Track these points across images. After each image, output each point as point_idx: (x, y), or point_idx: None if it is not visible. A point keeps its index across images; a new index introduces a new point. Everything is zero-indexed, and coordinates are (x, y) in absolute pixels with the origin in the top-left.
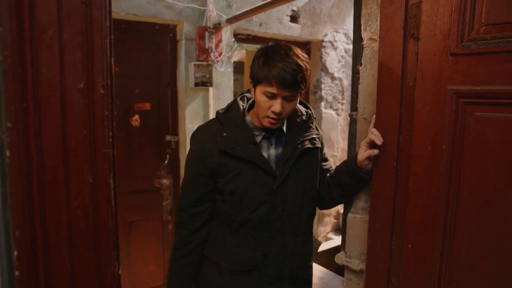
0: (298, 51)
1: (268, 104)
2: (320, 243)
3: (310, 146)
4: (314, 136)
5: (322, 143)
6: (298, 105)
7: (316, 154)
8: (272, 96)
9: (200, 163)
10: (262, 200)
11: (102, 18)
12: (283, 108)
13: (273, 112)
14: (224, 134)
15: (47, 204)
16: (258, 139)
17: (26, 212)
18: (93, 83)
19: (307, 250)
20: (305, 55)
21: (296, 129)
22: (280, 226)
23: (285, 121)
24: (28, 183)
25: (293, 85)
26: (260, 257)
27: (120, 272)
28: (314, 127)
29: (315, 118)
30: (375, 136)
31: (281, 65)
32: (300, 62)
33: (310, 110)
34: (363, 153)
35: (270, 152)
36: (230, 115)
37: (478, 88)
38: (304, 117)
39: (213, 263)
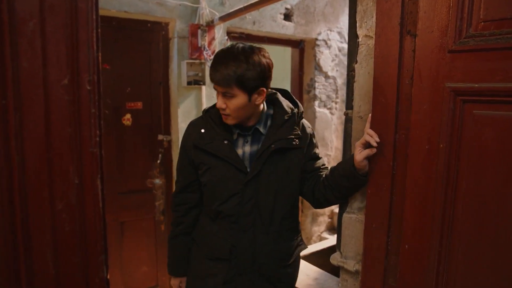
0: (252, 52)
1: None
2: (305, 247)
3: (285, 146)
4: (293, 136)
5: (310, 142)
6: (284, 103)
7: (297, 154)
8: (217, 93)
9: (184, 155)
10: (231, 194)
11: (88, 10)
12: (225, 104)
13: (218, 107)
14: (202, 130)
15: (29, 207)
16: (235, 136)
17: (7, 215)
18: (78, 79)
19: (280, 249)
20: (261, 58)
21: (276, 128)
22: (250, 220)
23: (268, 120)
24: (9, 185)
25: (222, 82)
26: (229, 248)
27: (108, 276)
28: (298, 126)
29: (301, 117)
30: (371, 137)
31: (217, 64)
32: (240, 62)
33: (298, 108)
34: (360, 153)
35: (245, 149)
36: (212, 113)
37: (476, 85)
38: (286, 116)
39: (196, 246)
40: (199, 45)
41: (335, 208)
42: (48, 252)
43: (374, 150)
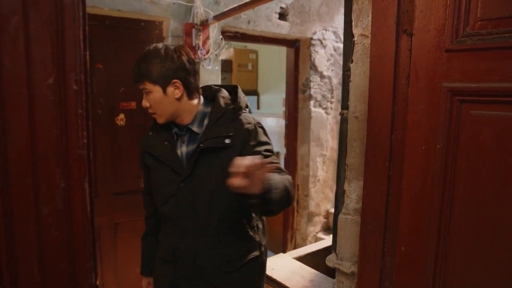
0: (163, 48)
1: None
2: (256, 254)
3: (213, 145)
4: (224, 134)
5: (248, 139)
6: (223, 99)
7: (230, 153)
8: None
9: (141, 159)
10: (169, 195)
11: (74, 6)
12: (148, 103)
13: (143, 106)
14: (150, 133)
15: (13, 212)
16: (175, 137)
17: None
18: (64, 78)
19: (221, 254)
20: (173, 53)
21: (210, 126)
22: (189, 223)
23: (205, 118)
24: None
25: (136, 80)
26: (172, 250)
27: (98, 282)
28: (235, 123)
29: (238, 113)
30: (239, 167)
31: (133, 65)
32: (149, 58)
33: (236, 103)
34: (233, 181)
35: (182, 149)
36: None
37: (474, 85)
38: (220, 114)
39: (158, 247)
40: (194, 44)
41: (331, 208)
42: (34, 258)
43: (244, 182)
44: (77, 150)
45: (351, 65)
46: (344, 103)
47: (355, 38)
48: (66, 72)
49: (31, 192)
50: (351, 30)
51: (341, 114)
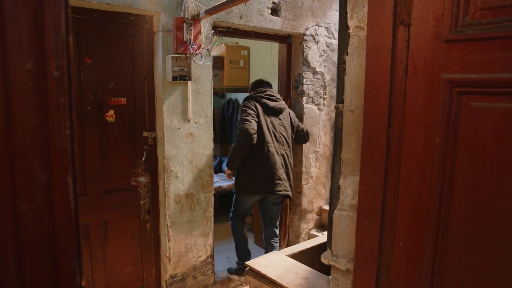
0: None
1: None
2: None
3: None
4: None
5: None
6: None
7: None
8: None
9: None
10: None
11: None
12: None
13: None
14: None
15: None
16: None
17: None
18: (45, 64)
19: None
20: None
21: None
22: None
23: None
24: None
25: None
26: None
27: (83, 283)
28: None
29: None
30: None
31: None
32: None
33: None
34: None
35: None
36: None
37: (474, 76)
38: None
39: None
40: (185, 39)
41: (324, 205)
42: (11, 260)
43: None
44: (59, 142)
45: (346, 57)
46: (339, 97)
47: (351, 30)
48: (46, 57)
49: (8, 188)
50: (346, 22)
51: (336, 108)
